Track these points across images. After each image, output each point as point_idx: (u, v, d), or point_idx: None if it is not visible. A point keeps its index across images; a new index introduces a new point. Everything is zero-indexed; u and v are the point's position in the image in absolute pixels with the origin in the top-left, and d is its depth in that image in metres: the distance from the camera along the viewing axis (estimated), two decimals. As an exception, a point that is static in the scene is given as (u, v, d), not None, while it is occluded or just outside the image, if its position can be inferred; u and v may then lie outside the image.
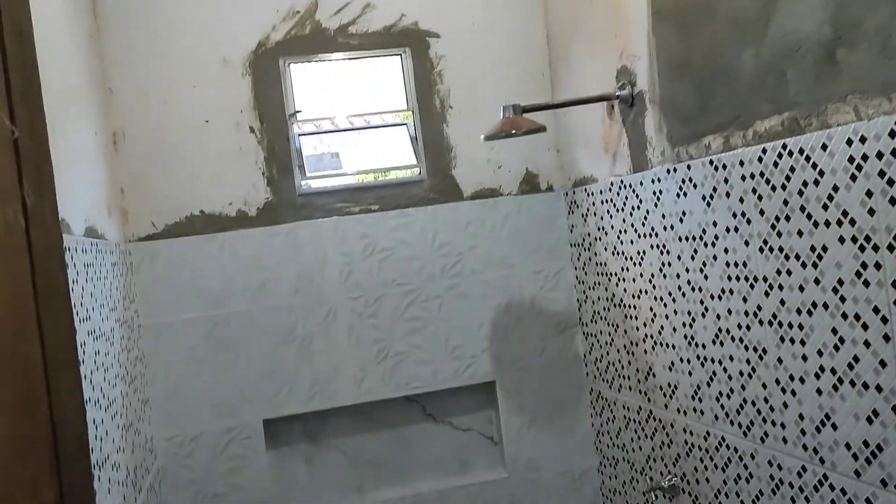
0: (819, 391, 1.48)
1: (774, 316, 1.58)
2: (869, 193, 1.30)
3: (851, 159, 1.32)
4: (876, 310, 1.31)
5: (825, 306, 1.43)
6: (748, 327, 1.68)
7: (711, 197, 1.75)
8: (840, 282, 1.39)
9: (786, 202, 1.50)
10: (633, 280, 2.17)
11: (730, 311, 1.74)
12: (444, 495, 2.48)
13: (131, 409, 1.95)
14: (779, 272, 1.55)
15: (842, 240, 1.37)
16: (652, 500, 2.21)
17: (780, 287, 1.55)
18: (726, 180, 1.68)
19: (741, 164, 1.62)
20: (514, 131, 2.04)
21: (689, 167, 1.82)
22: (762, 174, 1.56)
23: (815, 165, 1.41)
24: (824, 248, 1.42)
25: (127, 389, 1.92)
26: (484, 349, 2.52)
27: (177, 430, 2.31)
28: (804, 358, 1.51)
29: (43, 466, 0.56)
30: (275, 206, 2.40)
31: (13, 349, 0.54)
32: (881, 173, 1.27)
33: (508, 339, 2.54)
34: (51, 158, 0.65)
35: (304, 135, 2.47)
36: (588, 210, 2.40)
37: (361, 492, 2.50)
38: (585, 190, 2.40)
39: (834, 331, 1.42)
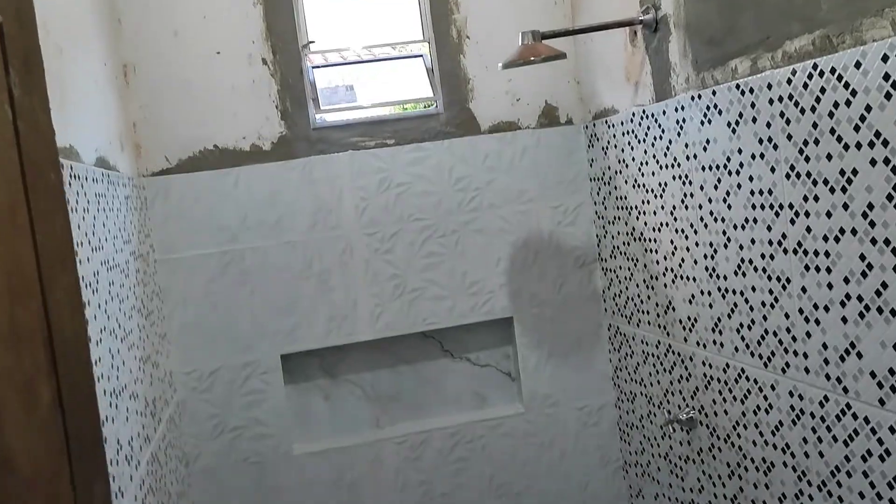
0: (844, 319, 1.44)
1: (800, 244, 1.54)
2: (904, 112, 1.24)
3: (887, 77, 1.26)
4: (907, 233, 1.27)
5: (853, 232, 1.39)
6: (772, 257, 1.63)
7: (737, 123, 1.69)
8: (870, 206, 1.34)
9: (815, 125, 1.44)
10: (654, 213, 2.13)
11: (753, 241, 1.69)
12: (461, 429, 2.49)
13: (148, 343, 1.96)
14: (805, 198, 1.50)
15: (873, 162, 1.32)
16: (669, 433, 2.21)
17: (807, 214, 1.50)
18: (753, 105, 1.62)
19: (769, 87, 1.56)
20: (532, 58, 1.97)
21: (714, 93, 1.75)
22: (791, 97, 1.50)
23: (847, 85, 1.35)
24: (854, 172, 1.36)
25: (144, 322, 1.93)
26: (501, 285, 2.50)
27: (195, 365, 2.32)
28: (829, 286, 1.47)
29: (39, 364, 0.54)
30: (289, 141, 2.36)
31: (2, 243, 0.52)
32: (918, 89, 1.21)
33: (526, 274, 2.51)
34: (41, 52, 0.61)
35: (317, 67, 2.41)
36: (608, 143, 2.35)
37: (379, 426, 2.52)
38: (606, 122, 2.34)
39: (862, 257, 1.37)
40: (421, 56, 2.48)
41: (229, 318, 2.33)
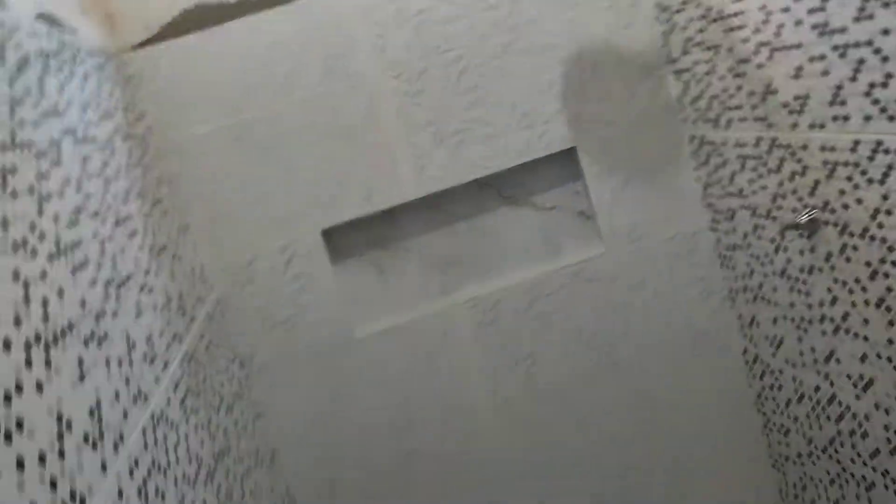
0: None
1: (956, -58, 1.13)
2: None
3: None
4: None
5: None
6: (913, -25, 1.22)
7: None
8: None
9: None
10: (734, -23, 1.70)
11: (881, -36, 1.28)
12: (537, 282, 2.19)
13: (161, 233, 1.69)
14: None
15: None
16: (782, 244, 1.86)
17: None
18: None
19: None
20: None
21: None
22: None
23: None
24: None
25: (149, 209, 1.65)
26: (557, 111, 2.13)
27: (229, 258, 2.06)
28: None
29: None
30: (281, -19, 1.99)
31: None
32: None
33: (585, 94, 2.13)
34: None
35: None
36: None
37: (445, 293, 2.24)
38: None
39: None
40: None
41: (254, 198, 2.05)
